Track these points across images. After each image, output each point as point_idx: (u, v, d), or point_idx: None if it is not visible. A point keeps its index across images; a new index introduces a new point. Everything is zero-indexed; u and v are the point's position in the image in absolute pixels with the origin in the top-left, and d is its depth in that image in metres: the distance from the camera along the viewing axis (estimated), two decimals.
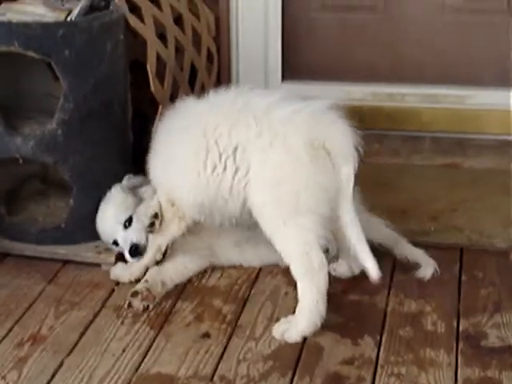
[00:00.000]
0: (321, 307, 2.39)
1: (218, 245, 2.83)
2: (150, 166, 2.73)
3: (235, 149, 2.47)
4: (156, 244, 2.71)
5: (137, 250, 2.67)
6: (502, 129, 3.49)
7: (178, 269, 2.74)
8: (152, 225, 2.66)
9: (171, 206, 2.68)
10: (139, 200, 2.73)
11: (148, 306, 2.57)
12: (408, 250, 2.79)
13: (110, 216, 2.74)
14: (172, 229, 2.71)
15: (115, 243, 2.73)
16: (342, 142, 2.38)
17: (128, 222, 2.69)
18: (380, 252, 2.70)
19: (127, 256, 2.69)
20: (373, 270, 2.39)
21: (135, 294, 2.57)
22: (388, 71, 3.65)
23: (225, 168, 2.48)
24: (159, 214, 2.67)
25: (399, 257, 2.80)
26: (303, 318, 2.39)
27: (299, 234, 2.39)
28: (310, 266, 2.39)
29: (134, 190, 2.76)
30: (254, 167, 2.45)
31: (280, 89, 2.55)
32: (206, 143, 2.51)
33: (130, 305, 2.56)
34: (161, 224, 2.68)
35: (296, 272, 2.42)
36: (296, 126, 2.39)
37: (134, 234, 2.68)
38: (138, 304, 2.56)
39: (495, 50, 3.60)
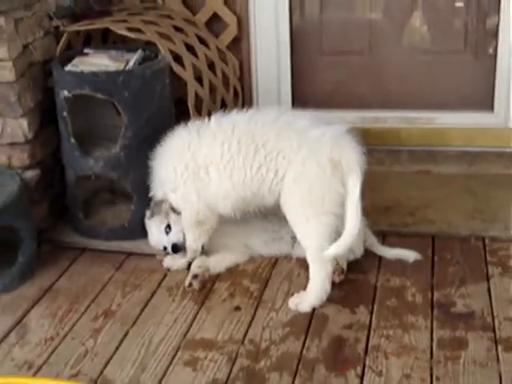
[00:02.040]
0: (327, 285, 2.47)
1: (251, 243, 2.81)
2: (176, 197, 2.67)
3: (278, 154, 2.47)
4: (192, 249, 2.73)
5: (176, 247, 2.73)
6: (462, 142, 3.51)
7: (220, 261, 2.75)
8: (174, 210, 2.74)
9: (200, 226, 2.67)
10: (165, 212, 2.75)
11: (204, 286, 2.63)
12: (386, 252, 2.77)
13: (155, 232, 2.79)
14: (202, 240, 2.70)
15: (164, 248, 2.79)
16: (353, 159, 2.40)
17: (168, 228, 2.75)
18: None
19: (171, 253, 2.77)
20: (331, 249, 2.37)
21: (195, 276, 2.63)
22: (373, 100, 3.67)
23: (268, 169, 2.47)
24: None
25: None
26: (313, 294, 2.47)
27: (318, 229, 2.44)
28: (322, 254, 2.42)
29: (157, 210, 2.76)
30: (290, 175, 2.46)
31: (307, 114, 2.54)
32: (255, 145, 2.48)
33: (190, 285, 2.62)
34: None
35: (311, 257, 2.49)
36: (323, 146, 2.42)
37: (173, 237, 2.74)
38: (196, 284, 2.62)
39: (455, 81, 3.61)
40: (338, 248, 2.38)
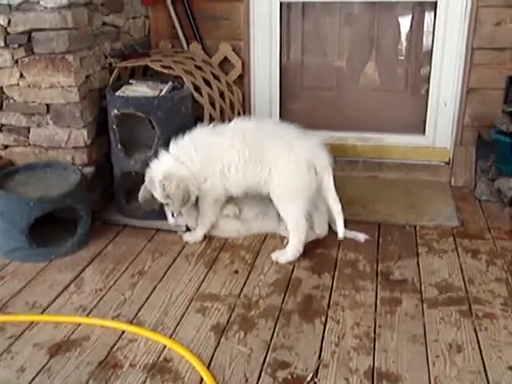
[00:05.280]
0: (300, 248, 2.50)
1: (248, 219, 2.76)
2: (206, 182, 2.58)
3: (269, 158, 2.47)
4: (209, 223, 2.69)
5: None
6: (401, 156, 3.45)
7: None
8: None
9: (216, 204, 2.64)
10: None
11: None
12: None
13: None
14: (215, 214, 2.67)
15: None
16: (325, 161, 2.46)
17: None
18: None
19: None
20: (341, 233, 2.49)
21: None
22: (338, 124, 3.58)
23: (262, 168, 2.47)
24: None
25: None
26: (290, 252, 2.50)
27: (295, 209, 2.47)
28: (298, 226, 2.48)
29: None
30: (278, 170, 2.46)
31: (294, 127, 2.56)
32: (259, 154, 2.48)
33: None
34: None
35: (290, 228, 2.51)
36: (303, 153, 2.44)
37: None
38: None
39: (398, 112, 3.56)
40: (342, 228, 2.45)
